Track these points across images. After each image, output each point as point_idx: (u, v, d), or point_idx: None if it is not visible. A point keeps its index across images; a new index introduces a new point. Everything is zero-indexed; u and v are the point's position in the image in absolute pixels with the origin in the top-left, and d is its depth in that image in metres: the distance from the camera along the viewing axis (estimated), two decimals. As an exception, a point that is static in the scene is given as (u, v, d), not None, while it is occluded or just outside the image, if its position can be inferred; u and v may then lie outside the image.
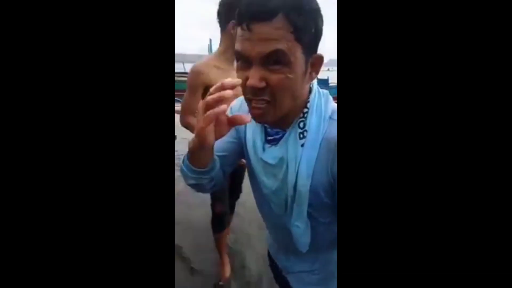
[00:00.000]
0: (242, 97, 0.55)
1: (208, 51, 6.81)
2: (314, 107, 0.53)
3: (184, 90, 1.26)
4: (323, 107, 0.54)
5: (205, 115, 0.44)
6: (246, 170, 0.69)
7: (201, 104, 0.45)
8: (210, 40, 7.02)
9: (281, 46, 0.44)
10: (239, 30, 0.46)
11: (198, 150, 0.51)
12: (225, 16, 1.16)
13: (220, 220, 1.44)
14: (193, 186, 0.60)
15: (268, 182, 0.60)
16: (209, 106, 0.44)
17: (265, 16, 0.43)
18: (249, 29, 0.44)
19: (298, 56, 0.46)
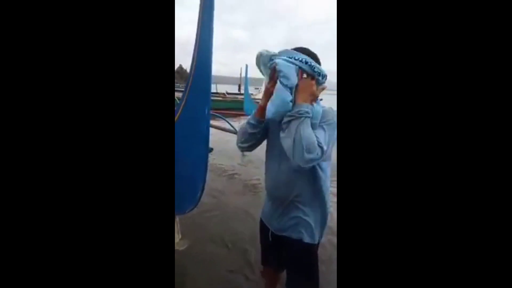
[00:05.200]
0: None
1: (245, 75, 7.02)
2: None
3: (217, 109, 1.32)
4: None
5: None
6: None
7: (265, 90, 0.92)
8: (247, 66, 7.22)
9: None
10: None
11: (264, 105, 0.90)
12: None
13: None
14: (250, 135, 0.96)
15: None
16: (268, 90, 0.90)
17: None
18: None
19: None
